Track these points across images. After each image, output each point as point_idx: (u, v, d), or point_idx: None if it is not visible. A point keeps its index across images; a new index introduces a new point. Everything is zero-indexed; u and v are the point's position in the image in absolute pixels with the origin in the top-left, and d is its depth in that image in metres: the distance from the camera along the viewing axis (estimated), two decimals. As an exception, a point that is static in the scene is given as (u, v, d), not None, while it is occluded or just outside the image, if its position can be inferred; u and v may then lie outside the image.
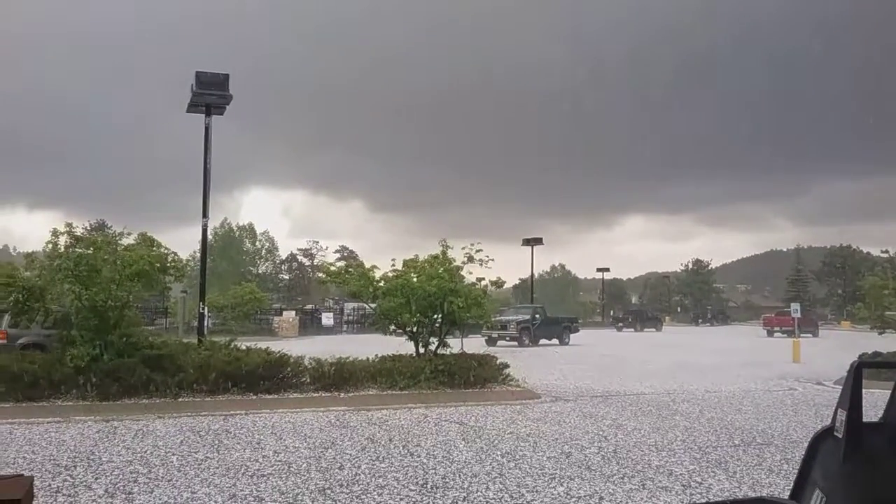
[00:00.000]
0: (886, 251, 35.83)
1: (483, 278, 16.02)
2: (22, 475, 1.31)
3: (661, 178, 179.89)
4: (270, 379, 13.40)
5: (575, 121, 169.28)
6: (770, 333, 49.53)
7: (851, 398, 3.74)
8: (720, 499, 5.18)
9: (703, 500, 4.83)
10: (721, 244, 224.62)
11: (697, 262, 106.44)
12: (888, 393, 3.96)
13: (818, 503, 3.61)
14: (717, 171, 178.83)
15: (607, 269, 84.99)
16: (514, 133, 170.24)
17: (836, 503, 3.51)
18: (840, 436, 3.68)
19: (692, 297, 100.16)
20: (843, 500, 3.49)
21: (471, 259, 15.56)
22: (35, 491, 1.28)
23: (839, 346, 28.75)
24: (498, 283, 16.69)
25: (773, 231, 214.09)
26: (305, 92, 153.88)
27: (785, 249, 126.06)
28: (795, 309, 35.05)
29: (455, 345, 16.52)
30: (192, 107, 16.87)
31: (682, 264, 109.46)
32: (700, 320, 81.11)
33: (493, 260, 15.65)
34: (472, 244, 15.75)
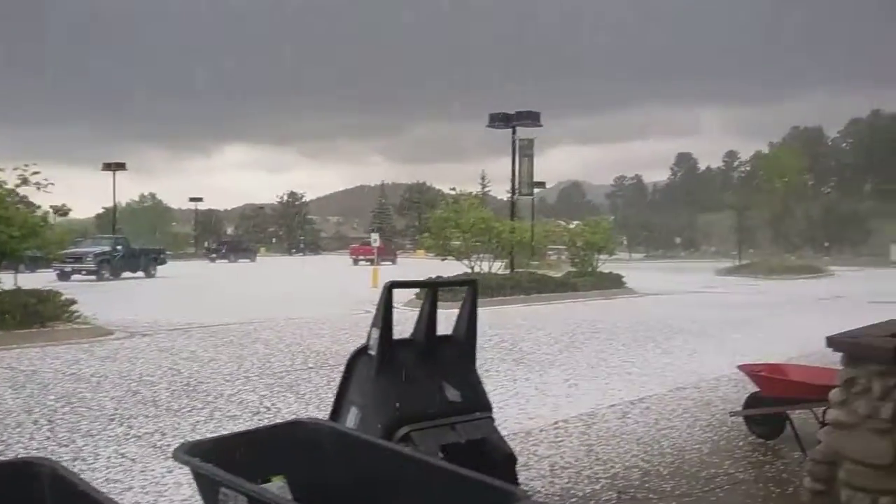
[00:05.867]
0: (454, 188, 40.53)
1: (39, 206, 13.98)
2: None
3: (265, 106, 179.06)
4: None
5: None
6: (356, 262, 52.99)
7: (384, 317, 3.91)
8: (277, 421, 5.20)
9: (253, 427, 4.77)
10: (319, 178, 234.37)
11: (292, 194, 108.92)
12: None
13: (355, 420, 3.74)
14: (325, 105, 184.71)
15: (200, 199, 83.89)
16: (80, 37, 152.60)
17: (369, 416, 3.66)
18: (373, 353, 3.83)
19: (287, 228, 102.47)
20: (375, 412, 3.65)
21: (25, 181, 13.43)
22: None
23: (410, 272, 31.80)
24: (62, 211, 14.77)
25: (367, 166, 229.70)
26: None
27: (373, 185, 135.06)
28: (375, 239, 38.19)
29: (8, 281, 14.29)
30: None
31: (277, 196, 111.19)
32: (293, 251, 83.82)
33: (52, 184, 13.69)
34: (26, 165, 13.62)
